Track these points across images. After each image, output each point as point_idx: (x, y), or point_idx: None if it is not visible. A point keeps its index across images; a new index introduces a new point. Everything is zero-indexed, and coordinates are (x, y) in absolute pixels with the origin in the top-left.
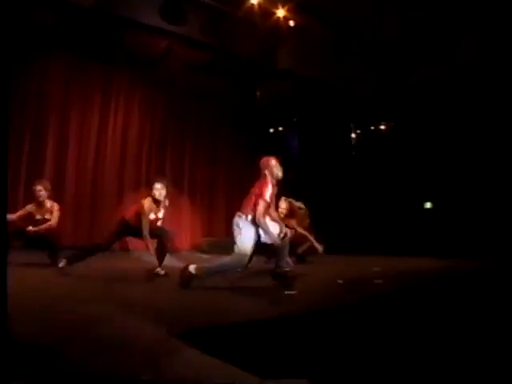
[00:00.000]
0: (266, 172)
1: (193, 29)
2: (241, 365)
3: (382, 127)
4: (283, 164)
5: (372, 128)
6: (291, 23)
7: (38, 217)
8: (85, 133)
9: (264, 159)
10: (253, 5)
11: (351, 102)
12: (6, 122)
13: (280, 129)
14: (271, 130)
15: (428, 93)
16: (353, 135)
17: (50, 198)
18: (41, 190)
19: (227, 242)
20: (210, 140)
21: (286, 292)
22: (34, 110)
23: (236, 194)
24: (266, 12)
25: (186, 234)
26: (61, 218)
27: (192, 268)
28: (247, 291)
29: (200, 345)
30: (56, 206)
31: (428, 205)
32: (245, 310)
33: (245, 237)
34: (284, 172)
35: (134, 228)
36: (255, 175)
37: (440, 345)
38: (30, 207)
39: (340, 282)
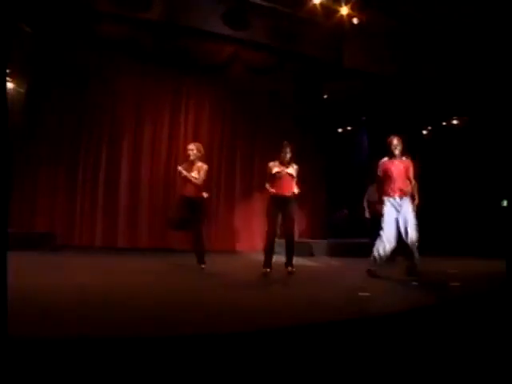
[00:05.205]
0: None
1: (256, 33)
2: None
3: (455, 122)
4: (353, 163)
5: (444, 124)
6: (355, 21)
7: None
8: (157, 139)
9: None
10: (315, 5)
11: (421, 98)
12: (6, 122)
13: (349, 128)
14: (340, 130)
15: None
16: (424, 132)
17: (201, 159)
18: (192, 150)
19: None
20: (279, 142)
21: (360, 294)
22: (109, 122)
23: (308, 194)
24: (329, 11)
25: (257, 236)
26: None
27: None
28: (325, 290)
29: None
30: (204, 166)
31: (505, 203)
32: (319, 310)
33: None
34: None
35: None
36: (322, 175)
37: None
38: (182, 166)
39: (415, 283)
